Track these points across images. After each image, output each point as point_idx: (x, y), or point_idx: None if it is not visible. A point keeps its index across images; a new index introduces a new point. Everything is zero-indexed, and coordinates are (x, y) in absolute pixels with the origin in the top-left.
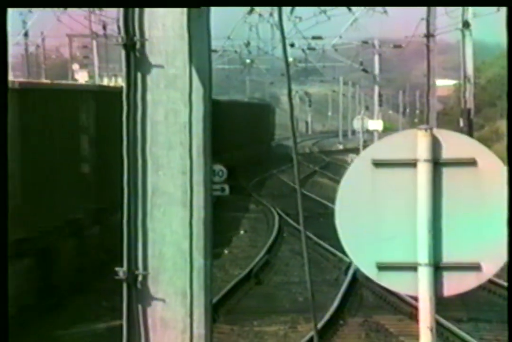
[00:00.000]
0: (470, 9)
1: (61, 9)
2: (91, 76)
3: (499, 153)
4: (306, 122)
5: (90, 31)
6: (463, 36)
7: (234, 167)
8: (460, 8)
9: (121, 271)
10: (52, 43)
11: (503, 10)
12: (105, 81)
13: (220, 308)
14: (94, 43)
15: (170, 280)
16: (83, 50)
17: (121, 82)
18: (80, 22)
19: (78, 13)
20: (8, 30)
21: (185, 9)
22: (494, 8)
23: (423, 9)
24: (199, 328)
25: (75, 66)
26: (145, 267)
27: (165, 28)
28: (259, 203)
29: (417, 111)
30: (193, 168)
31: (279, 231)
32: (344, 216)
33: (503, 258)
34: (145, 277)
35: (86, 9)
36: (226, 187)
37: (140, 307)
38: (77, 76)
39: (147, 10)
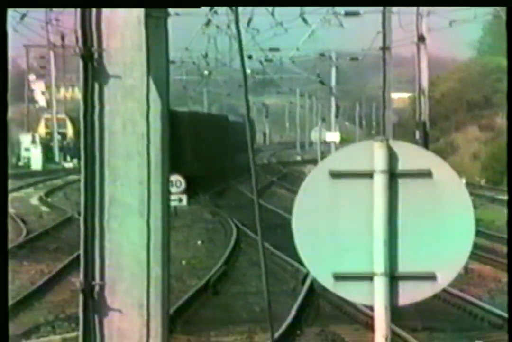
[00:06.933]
0: (424, 23)
1: (17, 19)
2: (47, 87)
3: (454, 165)
4: (264, 134)
5: (48, 41)
6: (418, 49)
7: (192, 178)
8: (414, 22)
9: (78, 282)
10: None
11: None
12: (62, 92)
13: (177, 319)
14: (52, 53)
15: (127, 290)
16: (40, 61)
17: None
18: (38, 33)
19: (35, 24)
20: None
21: (142, 20)
22: (447, 23)
23: (379, 23)
24: (156, 339)
25: (32, 77)
26: (102, 277)
27: (123, 38)
28: (216, 214)
29: (374, 123)
30: (150, 179)
31: (237, 242)
32: (301, 226)
33: (458, 268)
34: (102, 287)
35: (43, 19)
36: (184, 197)
37: (96, 317)
38: (33, 86)
39: (105, 21)
